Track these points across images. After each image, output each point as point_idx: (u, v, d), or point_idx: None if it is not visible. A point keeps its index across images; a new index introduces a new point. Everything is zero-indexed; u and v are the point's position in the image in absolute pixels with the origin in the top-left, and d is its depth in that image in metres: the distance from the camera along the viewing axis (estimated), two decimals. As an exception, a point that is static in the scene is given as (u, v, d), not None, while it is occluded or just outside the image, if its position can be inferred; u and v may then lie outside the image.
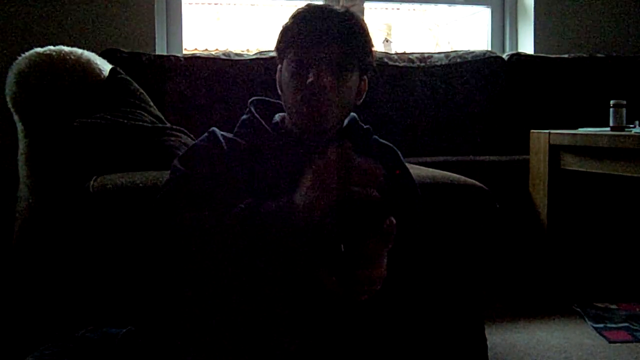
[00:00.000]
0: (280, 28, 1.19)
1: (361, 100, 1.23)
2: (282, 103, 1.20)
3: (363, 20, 1.19)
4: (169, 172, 1.17)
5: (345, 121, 1.23)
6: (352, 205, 0.94)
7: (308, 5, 1.18)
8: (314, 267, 1.02)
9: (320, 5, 1.19)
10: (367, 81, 1.22)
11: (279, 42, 1.19)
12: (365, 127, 1.26)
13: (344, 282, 0.98)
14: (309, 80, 1.11)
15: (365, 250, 0.97)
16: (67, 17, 2.51)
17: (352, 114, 1.26)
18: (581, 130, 2.18)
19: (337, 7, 1.18)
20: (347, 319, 1.06)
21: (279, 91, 1.21)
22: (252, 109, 1.23)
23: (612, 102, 2.15)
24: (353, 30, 1.15)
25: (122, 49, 2.38)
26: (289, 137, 1.18)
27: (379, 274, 0.99)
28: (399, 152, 1.27)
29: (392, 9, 6.29)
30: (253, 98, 1.27)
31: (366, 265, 0.98)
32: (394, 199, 1.19)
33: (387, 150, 1.26)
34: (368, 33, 1.19)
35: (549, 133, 2.20)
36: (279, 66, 1.21)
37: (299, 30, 1.14)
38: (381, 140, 1.27)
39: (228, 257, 1.05)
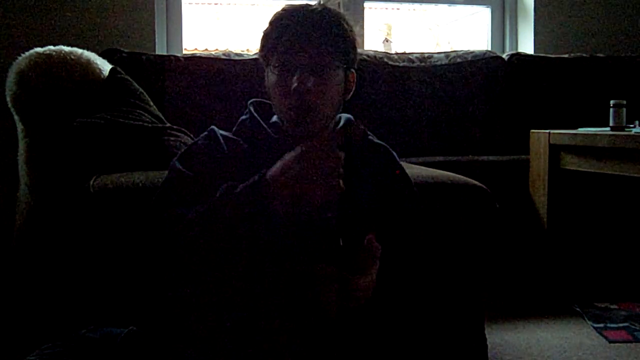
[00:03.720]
0: (261, 33, 1.19)
1: (349, 96, 1.23)
2: (273, 107, 1.21)
3: (342, 16, 1.18)
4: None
5: (341, 122, 1.23)
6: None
7: (285, 8, 1.18)
8: (313, 261, 1.03)
9: (297, 6, 1.18)
10: (355, 75, 1.22)
11: (261, 48, 1.19)
12: (361, 127, 1.26)
13: (342, 281, 0.99)
14: (293, 86, 1.11)
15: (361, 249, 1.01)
16: (67, 17, 2.51)
17: (348, 115, 1.26)
18: (581, 130, 2.18)
19: (315, 6, 1.17)
20: (348, 319, 1.06)
21: (268, 95, 1.22)
22: (251, 109, 1.24)
23: (612, 102, 2.15)
24: (332, 28, 1.15)
25: (122, 49, 2.37)
26: (287, 137, 1.19)
27: (367, 283, 1.01)
28: (393, 153, 1.27)
29: (392, 9, 6.28)
30: (252, 99, 1.28)
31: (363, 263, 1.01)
32: (391, 201, 1.20)
33: (382, 150, 1.26)
34: (348, 28, 1.18)
35: (549, 133, 2.20)
36: (266, 71, 1.21)
37: (278, 36, 1.15)
38: (376, 140, 1.27)
39: (226, 254, 1.05)
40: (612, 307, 2.16)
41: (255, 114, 1.22)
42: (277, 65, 1.15)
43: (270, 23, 1.18)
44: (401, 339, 1.16)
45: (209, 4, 6.06)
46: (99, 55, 2.05)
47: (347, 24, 1.18)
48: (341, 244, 1.08)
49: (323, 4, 1.18)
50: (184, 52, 2.86)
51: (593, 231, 2.35)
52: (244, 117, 1.24)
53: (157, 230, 1.06)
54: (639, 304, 2.18)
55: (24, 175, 1.75)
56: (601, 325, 1.99)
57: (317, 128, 1.16)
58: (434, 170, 1.60)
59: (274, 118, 1.24)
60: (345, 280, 1.00)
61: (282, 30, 1.14)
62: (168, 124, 1.77)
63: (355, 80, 1.23)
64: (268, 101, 1.28)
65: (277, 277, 1.06)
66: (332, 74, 1.15)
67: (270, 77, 1.18)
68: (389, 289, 1.08)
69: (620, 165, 1.96)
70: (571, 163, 2.15)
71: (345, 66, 1.18)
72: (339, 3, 2.87)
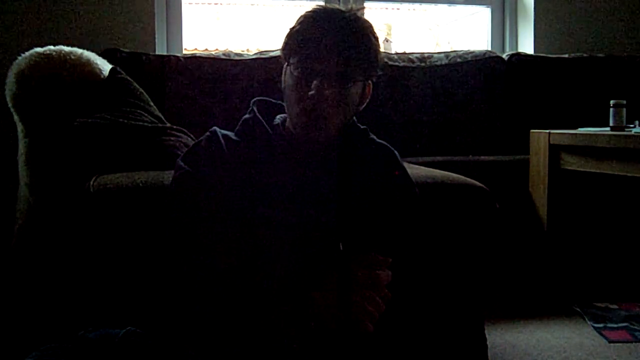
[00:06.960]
0: (287, 30, 1.17)
1: (364, 106, 1.22)
2: (284, 104, 1.20)
3: (371, 27, 1.16)
4: (169, 171, 1.18)
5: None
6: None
7: (316, 9, 1.15)
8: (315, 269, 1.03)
9: (328, 9, 1.15)
10: (371, 86, 1.21)
11: (285, 45, 1.17)
12: (362, 127, 1.26)
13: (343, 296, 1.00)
14: (311, 92, 1.10)
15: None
16: (67, 17, 2.51)
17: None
18: (581, 130, 2.18)
19: (346, 12, 1.15)
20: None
21: (282, 91, 1.20)
22: (255, 109, 1.23)
23: (612, 102, 2.15)
24: (359, 41, 1.13)
25: (122, 49, 2.38)
26: (289, 139, 1.18)
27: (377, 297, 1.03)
28: (395, 152, 1.26)
29: (392, 9, 6.28)
30: (256, 98, 1.26)
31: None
32: (391, 200, 1.19)
33: (384, 150, 1.26)
34: (375, 40, 1.16)
35: (549, 133, 2.20)
36: (285, 65, 1.19)
37: (304, 38, 1.12)
38: (378, 140, 1.27)
39: (230, 256, 1.05)
40: (612, 307, 2.16)
41: (258, 114, 1.21)
42: (297, 66, 1.13)
43: (299, 22, 1.15)
44: (401, 339, 1.16)
45: (209, 4, 6.06)
46: (99, 55, 2.05)
47: (374, 36, 1.16)
48: (341, 248, 1.08)
49: (354, 12, 1.16)
50: (184, 52, 2.86)
51: (593, 231, 2.35)
52: (247, 116, 1.23)
53: (169, 229, 1.06)
54: (639, 304, 2.18)
55: (24, 175, 1.75)
56: (601, 325, 1.99)
57: (325, 137, 1.15)
58: (434, 170, 1.60)
59: (277, 119, 1.24)
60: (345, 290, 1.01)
61: (309, 33, 1.12)
62: (168, 124, 1.77)
63: (371, 90, 1.21)
64: (273, 100, 1.27)
65: (280, 278, 1.06)
66: (351, 86, 1.13)
67: (288, 76, 1.16)
68: (389, 289, 1.08)
69: (620, 165, 1.96)
70: (571, 163, 2.15)
71: (365, 77, 1.17)
72: (339, 2, 2.87)
